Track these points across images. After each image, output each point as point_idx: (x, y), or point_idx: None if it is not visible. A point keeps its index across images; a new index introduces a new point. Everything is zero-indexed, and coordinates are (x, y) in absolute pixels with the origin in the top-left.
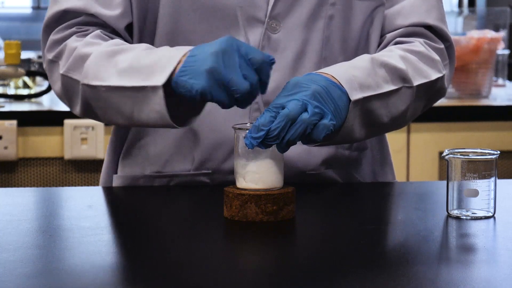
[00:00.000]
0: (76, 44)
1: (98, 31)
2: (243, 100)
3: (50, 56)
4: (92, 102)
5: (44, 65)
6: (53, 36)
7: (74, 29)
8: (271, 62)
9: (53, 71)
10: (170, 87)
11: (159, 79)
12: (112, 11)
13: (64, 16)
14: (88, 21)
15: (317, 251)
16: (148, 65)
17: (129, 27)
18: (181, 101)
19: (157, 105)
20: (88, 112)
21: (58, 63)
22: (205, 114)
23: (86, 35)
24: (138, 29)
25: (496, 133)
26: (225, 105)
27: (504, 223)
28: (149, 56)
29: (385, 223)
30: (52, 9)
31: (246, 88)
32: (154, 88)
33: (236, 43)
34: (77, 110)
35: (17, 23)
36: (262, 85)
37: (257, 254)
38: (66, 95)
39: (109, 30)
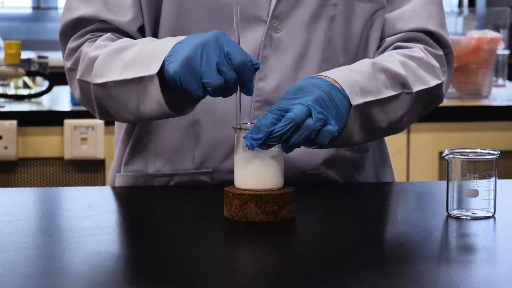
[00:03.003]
0: (88, 49)
1: (108, 34)
2: (216, 95)
3: (68, 64)
4: (103, 101)
5: (66, 73)
6: (70, 45)
7: (88, 36)
8: (254, 67)
9: (73, 78)
10: None
11: (154, 68)
12: (123, 17)
13: (78, 24)
14: (102, 28)
15: (317, 251)
16: (147, 56)
17: (141, 29)
18: (179, 89)
19: (155, 95)
20: (104, 113)
21: (76, 70)
22: (205, 113)
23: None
24: (150, 30)
25: (496, 133)
26: (196, 97)
27: (504, 223)
28: (150, 47)
29: (385, 223)
30: (65, 17)
31: (219, 83)
32: (150, 78)
33: (222, 39)
34: (96, 114)
35: (17, 23)
36: (243, 86)
37: (257, 254)
38: (86, 100)
39: (123, 33)
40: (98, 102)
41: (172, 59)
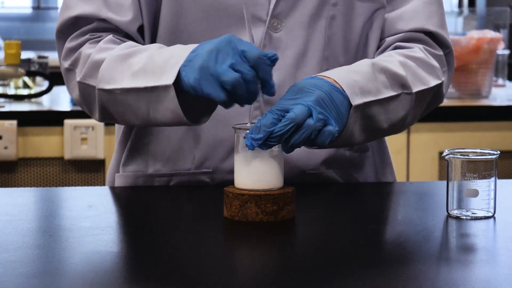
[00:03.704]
0: (90, 51)
1: (110, 36)
2: (236, 93)
3: (66, 64)
4: (108, 106)
5: (62, 73)
6: (68, 44)
7: (87, 36)
8: (271, 59)
9: (70, 79)
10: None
11: (169, 78)
12: (123, 17)
13: (76, 23)
14: (101, 27)
15: (317, 251)
16: (160, 64)
17: (140, 29)
18: (195, 98)
19: (171, 104)
20: (106, 116)
21: (74, 71)
22: None
23: (99, 41)
24: (150, 31)
25: (496, 133)
26: (220, 101)
27: (504, 223)
28: (161, 55)
29: (385, 223)
30: (63, 15)
31: (235, 78)
32: (165, 87)
33: (234, 41)
34: (96, 116)
35: (17, 23)
36: (264, 84)
37: (257, 254)
38: (85, 102)
39: (122, 34)
40: (102, 106)
41: (189, 69)
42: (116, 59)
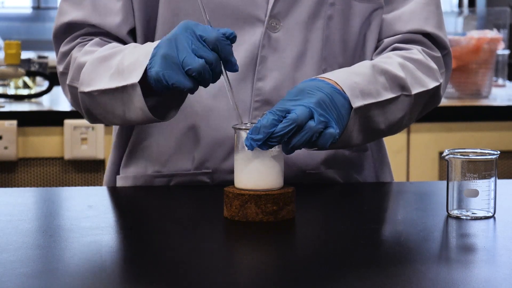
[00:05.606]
0: (77, 54)
1: (97, 39)
2: (202, 78)
3: (60, 68)
4: (90, 108)
5: (58, 77)
6: (62, 49)
7: (78, 40)
8: (230, 37)
9: (65, 82)
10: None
11: (135, 77)
12: (112, 20)
13: (69, 28)
14: (92, 32)
15: (317, 251)
16: (130, 64)
17: (132, 31)
18: (163, 93)
19: (139, 102)
20: (92, 118)
21: (67, 74)
22: (205, 113)
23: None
24: (142, 32)
25: (496, 133)
26: (186, 88)
27: (504, 223)
28: (133, 54)
29: (385, 223)
30: (57, 21)
31: (200, 64)
32: (133, 86)
33: (191, 26)
34: (86, 118)
35: (17, 23)
36: (227, 63)
37: (257, 254)
38: (76, 105)
39: (112, 37)
40: (85, 108)
41: (152, 63)
42: (95, 61)
